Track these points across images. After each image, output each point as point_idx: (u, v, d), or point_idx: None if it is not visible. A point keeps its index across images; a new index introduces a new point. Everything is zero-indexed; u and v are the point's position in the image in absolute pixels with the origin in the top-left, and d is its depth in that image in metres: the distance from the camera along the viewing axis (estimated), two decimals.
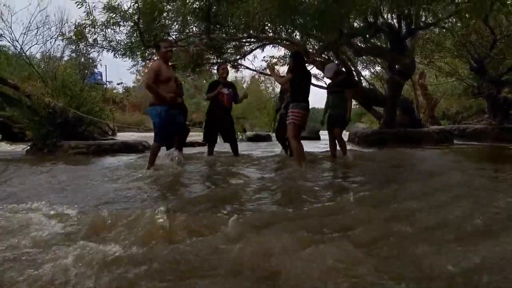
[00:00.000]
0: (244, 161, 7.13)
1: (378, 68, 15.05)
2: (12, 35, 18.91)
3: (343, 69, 11.65)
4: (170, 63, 6.36)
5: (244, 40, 10.88)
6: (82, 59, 15.20)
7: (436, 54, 13.87)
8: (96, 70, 21.54)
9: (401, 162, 6.96)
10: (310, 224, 2.73)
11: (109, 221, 2.82)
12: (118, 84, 33.12)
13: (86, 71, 16.80)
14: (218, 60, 11.19)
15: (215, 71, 11.21)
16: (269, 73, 6.57)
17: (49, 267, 1.97)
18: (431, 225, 2.69)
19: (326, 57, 11.57)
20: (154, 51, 9.07)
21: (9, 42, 13.91)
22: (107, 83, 33.34)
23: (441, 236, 2.44)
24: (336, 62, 11.52)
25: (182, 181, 5.11)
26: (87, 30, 9.36)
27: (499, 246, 2.15)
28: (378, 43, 11.60)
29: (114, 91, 34.69)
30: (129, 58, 9.88)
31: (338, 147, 7.38)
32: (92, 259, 2.03)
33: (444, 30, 12.00)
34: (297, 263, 1.95)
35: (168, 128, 5.93)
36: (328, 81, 8.39)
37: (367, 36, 9.83)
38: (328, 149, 7.69)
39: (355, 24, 9.97)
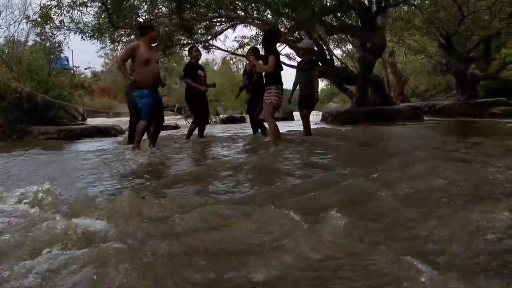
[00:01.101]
0: (222, 142, 7.09)
1: (350, 47, 15.11)
2: None
3: (315, 48, 11.68)
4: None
5: (215, 20, 10.73)
6: (48, 44, 14.69)
7: (406, 32, 14.02)
8: (62, 55, 20.80)
9: (376, 139, 7.04)
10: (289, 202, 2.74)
11: (89, 202, 2.78)
12: (85, 68, 32.11)
13: (52, 56, 16.25)
14: (189, 41, 11.01)
15: (186, 53, 11.04)
16: (252, 62, 6.46)
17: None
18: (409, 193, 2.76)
19: (298, 36, 11.53)
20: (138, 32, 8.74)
21: None
22: (74, 68, 32.33)
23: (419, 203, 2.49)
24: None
25: (165, 164, 5.04)
26: (52, 12, 9.02)
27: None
28: (349, 22, 11.62)
29: (82, 76, 33.74)
30: (97, 40, 9.60)
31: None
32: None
33: (413, 8, 12.12)
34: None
35: (154, 112, 5.88)
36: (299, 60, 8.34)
37: (339, 14, 9.82)
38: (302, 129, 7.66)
39: (327, 3, 9.94)
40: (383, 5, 10.15)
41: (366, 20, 10.51)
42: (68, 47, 22.08)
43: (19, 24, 15.82)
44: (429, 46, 16.01)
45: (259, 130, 7.78)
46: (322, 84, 20.46)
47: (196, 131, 7.82)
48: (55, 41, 14.27)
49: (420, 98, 21.01)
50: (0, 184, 3.78)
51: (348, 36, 12.86)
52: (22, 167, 4.96)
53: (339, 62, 14.18)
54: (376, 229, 2.09)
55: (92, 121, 16.72)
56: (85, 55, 42.61)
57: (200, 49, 8.88)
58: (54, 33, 10.47)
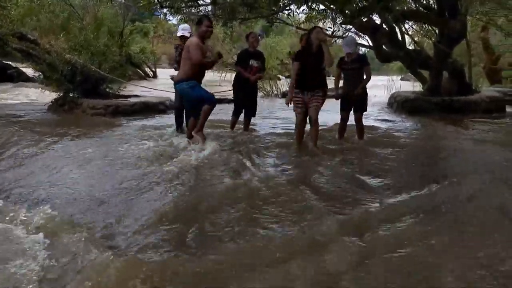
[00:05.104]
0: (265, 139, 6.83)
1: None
2: None
3: (386, 28, 10.69)
4: None
5: None
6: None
7: (498, 12, 12.24)
8: None
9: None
10: None
11: None
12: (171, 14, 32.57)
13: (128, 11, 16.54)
14: (249, 15, 10.52)
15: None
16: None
17: None
18: None
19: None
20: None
21: None
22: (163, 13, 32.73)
23: None
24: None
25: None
26: None
27: None
28: (429, 2, 10.35)
29: (170, 21, 34.37)
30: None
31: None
32: None
33: None
34: None
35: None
36: None
37: None
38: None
39: None
40: None
41: (445, 3, 9.34)
42: None
43: None
44: None
45: None
46: None
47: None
48: None
49: None
50: None
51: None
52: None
53: (413, 43, 12.89)
54: None
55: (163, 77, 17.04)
56: None
57: (259, 34, 8.35)
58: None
